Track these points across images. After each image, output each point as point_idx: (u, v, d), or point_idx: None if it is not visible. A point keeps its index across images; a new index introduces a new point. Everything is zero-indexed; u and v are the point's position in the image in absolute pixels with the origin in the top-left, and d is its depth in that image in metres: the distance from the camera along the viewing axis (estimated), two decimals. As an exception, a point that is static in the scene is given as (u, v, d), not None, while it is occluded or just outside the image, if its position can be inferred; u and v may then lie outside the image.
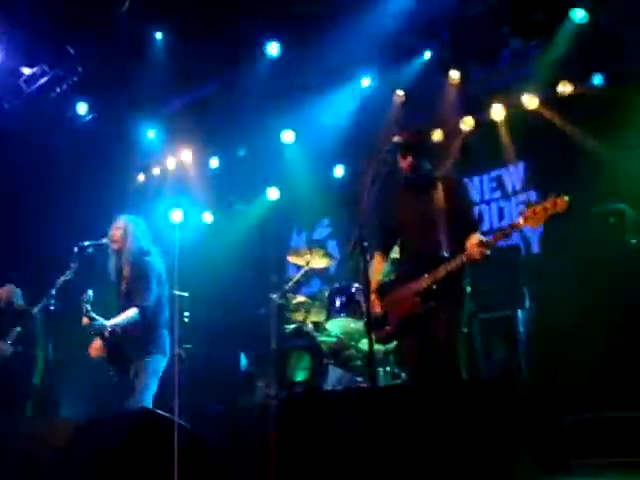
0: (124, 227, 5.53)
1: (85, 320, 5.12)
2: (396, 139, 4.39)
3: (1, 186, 8.45)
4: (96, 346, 5.36)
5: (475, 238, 4.17)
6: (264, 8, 7.40)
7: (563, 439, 5.61)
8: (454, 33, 7.41)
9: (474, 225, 4.38)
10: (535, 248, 7.50)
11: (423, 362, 4.21)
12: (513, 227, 4.13)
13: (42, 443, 4.04)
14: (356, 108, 8.20)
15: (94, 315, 5.12)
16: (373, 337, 4.33)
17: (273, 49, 7.84)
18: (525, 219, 4.01)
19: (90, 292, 5.18)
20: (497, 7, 7.26)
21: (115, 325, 5.22)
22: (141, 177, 9.68)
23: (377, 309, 4.41)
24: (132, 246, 5.50)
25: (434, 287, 4.22)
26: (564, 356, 6.30)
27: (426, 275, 4.25)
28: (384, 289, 4.50)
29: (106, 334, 5.26)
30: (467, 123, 7.82)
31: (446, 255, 4.25)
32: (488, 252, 4.10)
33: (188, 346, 7.91)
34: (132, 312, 5.26)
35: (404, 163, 4.45)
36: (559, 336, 6.44)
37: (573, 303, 6.39)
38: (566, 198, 3.90)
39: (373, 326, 4.28)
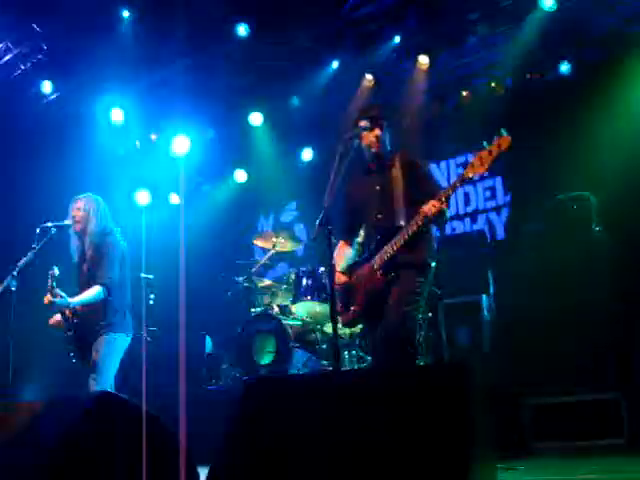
0: (85, 207, 5.41)
1: (47, 298, 4.99)
2: (362, 123, 4.37)
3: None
4: (56, 317, 5.30)
5: (432, 201, 4.07)
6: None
7: (525, 423, 5.70)
8: (422, 18, 7.39)
9: (434, 193, 4.19)
10: (500, 234, 7.57)
11: (381, 336, 4.16)
12: (463, 177, 4.05)
13: None
14: (325, 91, 8.15)
15: (58, 291, 5.02)
16: (340, 320, 4.33)
17: (241, 30, 7.73)
18: (472, 167, 3.98)
19: (56, 268, 5.09)
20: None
21: (78, 302, 5.13)
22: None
23: (341, 280, 4.36)
24: (94, 226, 5.39)
25: (394, 258, 4.17)
26: (527, 341, 6.38)
27: (385, 247, 4.23)
28: (349, 270, 4.46)
29: (67, 313, 5.19)
30: (434, 108, 7.84)
31: (403, 224, 4.20)
32: (442, 206, 4.03)
33: (154, 329, 7.87)
34: (95, 290, 5.14)
35: (370, 136, 4.39)
36: (523, 321, 6.50)
37: (537, 289, 6.46)
38: (508, 137, 3.89)
39: (339, 309, 4.27)
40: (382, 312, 4.19)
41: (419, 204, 4.12)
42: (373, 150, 4.43)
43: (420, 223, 4.08)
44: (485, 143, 3.99)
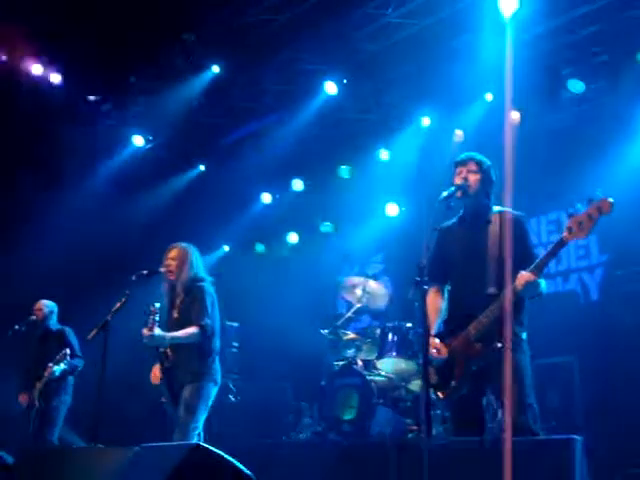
0: (179, 256, 5.51)
1: (146, 331, 5.03)
2: (458, 181, 4.30)
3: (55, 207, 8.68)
4: (157, 373, 5.34)
5: (525, 272, 3.92)
6: (324, 44, 7.47)
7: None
8: (514, 74, 7.34)
9: (529, 261, 4.03)
10: (594, 294, 7.30)
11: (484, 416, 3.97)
12: (560, 244, 3.88)
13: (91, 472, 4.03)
14: (414, 146, 8.16)
15: (158, 327, 5.05)
16: (440, 395, 4.16)
17: (331, 87, 7.86)
18: (570, 232, 3.79)
19: (157, 304, 5.14)
20: (559, 49, 7.21)
21: (176, 339, 5.16)
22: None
23: (442, 353, 4.16)
24: (187, 275, 5.48)
25: (490, 329, 3.97)
26: (622, 405, 6.12)
27: (481, 317, 4.04)
28: (441, 336, 4.26)
29: (165, 352, 5.21)
30: (525, 163, 7.71)
31: (493, 291, 4.04)
32: (535, 278, 3.87)
33: (235, 376, 7.91)
34: (192, 330, 5.17)
35: (472, 178, 4.27)
36: (617, 385, 6.26)
37: (632, 353, 6.20)
38: (610, 200, 3.67)
39: (434, 381, 4.13)
40: (485, 386, 4.05)
41: (513, 270, 3.93)
42: (469, 199, 4.28)
43: (512, 297, 3.91)
44: (580, 205, 3.81)
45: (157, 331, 5.06)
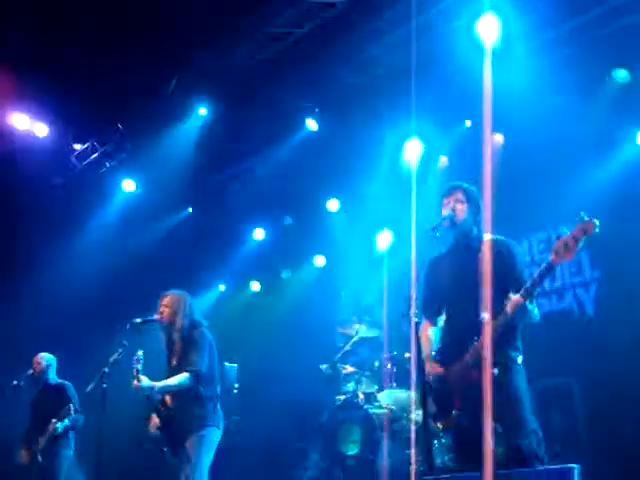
0: (172, 304, 5.52)
1: (135, 383, 5.03)
2: (445, 212, 4.32)
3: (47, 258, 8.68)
4: (155, 422, 5.30)
5: (514, 296, 3.96)
6: (306, 82, 7.55)
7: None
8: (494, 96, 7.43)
9: (520, 287, 4.05)
10: (589, 311, 7.28)
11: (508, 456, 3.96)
12: (548, 268, 3.90)
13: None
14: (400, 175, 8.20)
15: (142, 376, 5.04)
16: (441, 426, 4.16)
17: (311, 124, 7.96)
18: (557, 254, 3.82)
19: (140, 353, 5.14)
20: (538, 67, 7.29)
21: (163, 387, 5.15)
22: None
23: (439, 372, 4.19)
24: (182, 322, 5.47)
25: (487, 354, 3.97)
26: (623, 425, 6.09)
27: (476, 343, 4.06)
28: (437, 362, 4.28)
29: (160, 406, 5.21)
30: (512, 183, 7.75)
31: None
32: (526, 302, 3.92)
33: (236, 418, 7.86)
34: (182, 376, 5.17)
35: (460, 207, 4.31)
36: (617, 403, 6.22)
37: (632, 369, 6.18)
38: (595, 221, 3.71)
39: (438, 416, 4.13)
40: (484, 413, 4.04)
41: (505, 296, 3.99)
42: (458, 229, 4.31)
43: (502, 323, 3.97)
44: (565, 228, 3.85)
45: (144, 380, 5.06)
